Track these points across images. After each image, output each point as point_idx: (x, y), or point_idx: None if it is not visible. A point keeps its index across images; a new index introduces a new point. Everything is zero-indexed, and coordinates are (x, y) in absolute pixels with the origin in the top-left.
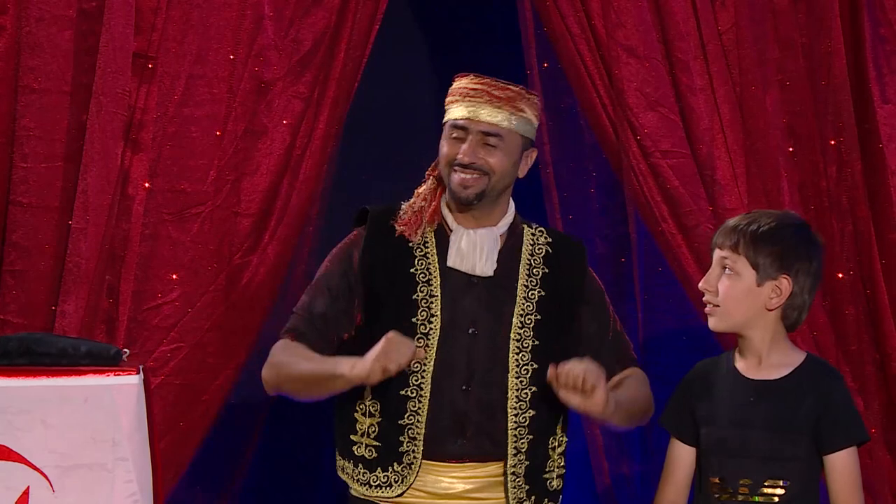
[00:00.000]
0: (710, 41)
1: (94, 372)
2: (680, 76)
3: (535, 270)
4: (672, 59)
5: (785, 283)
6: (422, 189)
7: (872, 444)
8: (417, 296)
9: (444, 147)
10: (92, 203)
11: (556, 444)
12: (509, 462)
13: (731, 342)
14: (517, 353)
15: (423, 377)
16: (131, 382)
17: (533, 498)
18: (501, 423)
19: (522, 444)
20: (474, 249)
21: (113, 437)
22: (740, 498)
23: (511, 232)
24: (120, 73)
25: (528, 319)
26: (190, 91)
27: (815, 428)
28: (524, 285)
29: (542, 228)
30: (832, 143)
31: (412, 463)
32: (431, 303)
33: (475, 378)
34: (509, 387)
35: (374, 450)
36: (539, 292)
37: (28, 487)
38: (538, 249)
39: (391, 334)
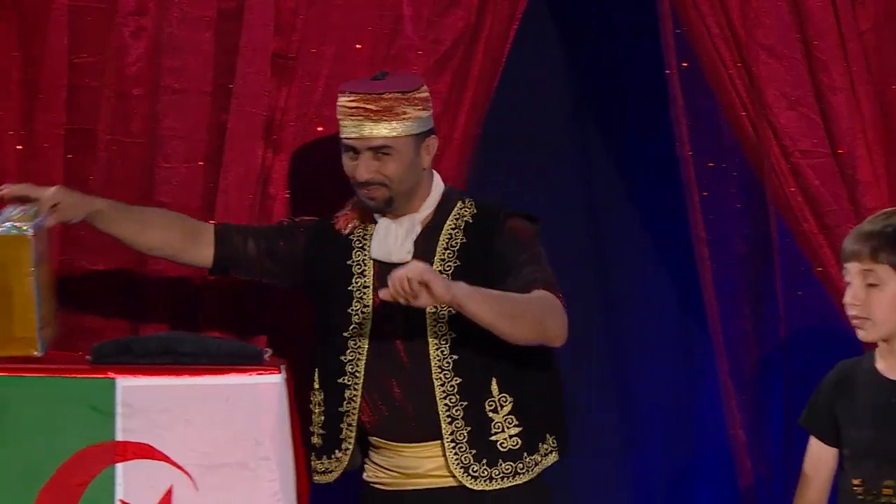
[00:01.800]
0: (849, 40)
1: (237, 371)
2: (820, 75)
3: (453, 242)
4: (811, 58)
5: None
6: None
7: None
8: (352, 287)
9: (345, 166)
10: (233, 203)
11: (497, 405)
12: (444, 430)
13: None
14: (434, 325)
15: (357, 365)
16: (273, 381)
17: (485, 461)
18: (431, 395)
19: (457, 411)
20: (391, 238)
21: (255, 436)
22: (883, 500)
23: (437, 211)
24: (260, 73)
25: None
26: (330, 91)
27: None
28: (441, 259)
29: (473, 201)
30: None
31: (348, 448)
32: (364, 293)
33: (403, 358)
34: (431, 357)
35: (321, 438)
36: (455, 262)
37: (171, 486)
38: (460, 222)
39: None
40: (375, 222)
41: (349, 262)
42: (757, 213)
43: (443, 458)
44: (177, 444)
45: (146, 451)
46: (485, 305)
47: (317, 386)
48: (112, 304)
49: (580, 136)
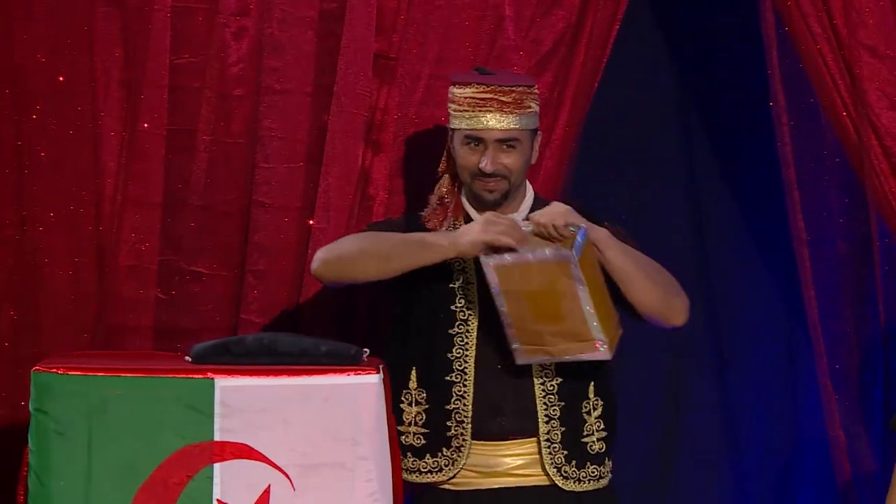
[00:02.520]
0: None
1: (335, 371)
2: None
3: None
4: None
5: None
6: (440, 187)
7: None
8: (454, 283)
9: (463, 158)
10: (333, 203)
11: (591, 408)
12: (541, 429)
13: None
14: None
15: (466, 362)
16: (371, 382)
17: (574, 462)
18: (531, 394)
19: (554, 411)
20: None
21: (353, 436)
22: None
23: (531, 212)
24: (361, 73)
25: None
26: (430, 92)
27: None
28: None
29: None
30: None
31: (461, 446)
32: (468, 290)
33: (506, 356)
34: None
35: (422, 437)
36: None
37: (269, 486)
38: None
39: (489, 214)
40: (467, 220)
41: (449, 261)
42: (858, 213)
43: (530, 457)
44: (275, 444)
45: (244, 451)
46: (625, 254)
47: (415, 385)
48: (211, 305)
49: (682, 136)
